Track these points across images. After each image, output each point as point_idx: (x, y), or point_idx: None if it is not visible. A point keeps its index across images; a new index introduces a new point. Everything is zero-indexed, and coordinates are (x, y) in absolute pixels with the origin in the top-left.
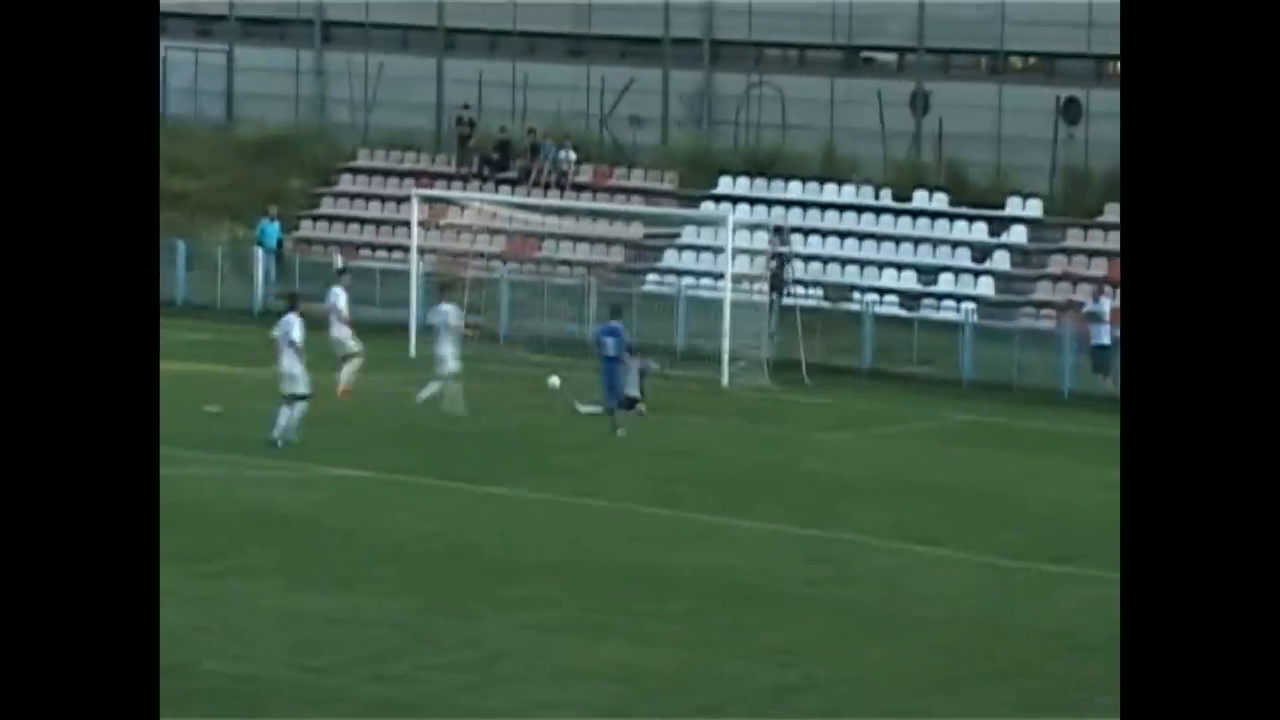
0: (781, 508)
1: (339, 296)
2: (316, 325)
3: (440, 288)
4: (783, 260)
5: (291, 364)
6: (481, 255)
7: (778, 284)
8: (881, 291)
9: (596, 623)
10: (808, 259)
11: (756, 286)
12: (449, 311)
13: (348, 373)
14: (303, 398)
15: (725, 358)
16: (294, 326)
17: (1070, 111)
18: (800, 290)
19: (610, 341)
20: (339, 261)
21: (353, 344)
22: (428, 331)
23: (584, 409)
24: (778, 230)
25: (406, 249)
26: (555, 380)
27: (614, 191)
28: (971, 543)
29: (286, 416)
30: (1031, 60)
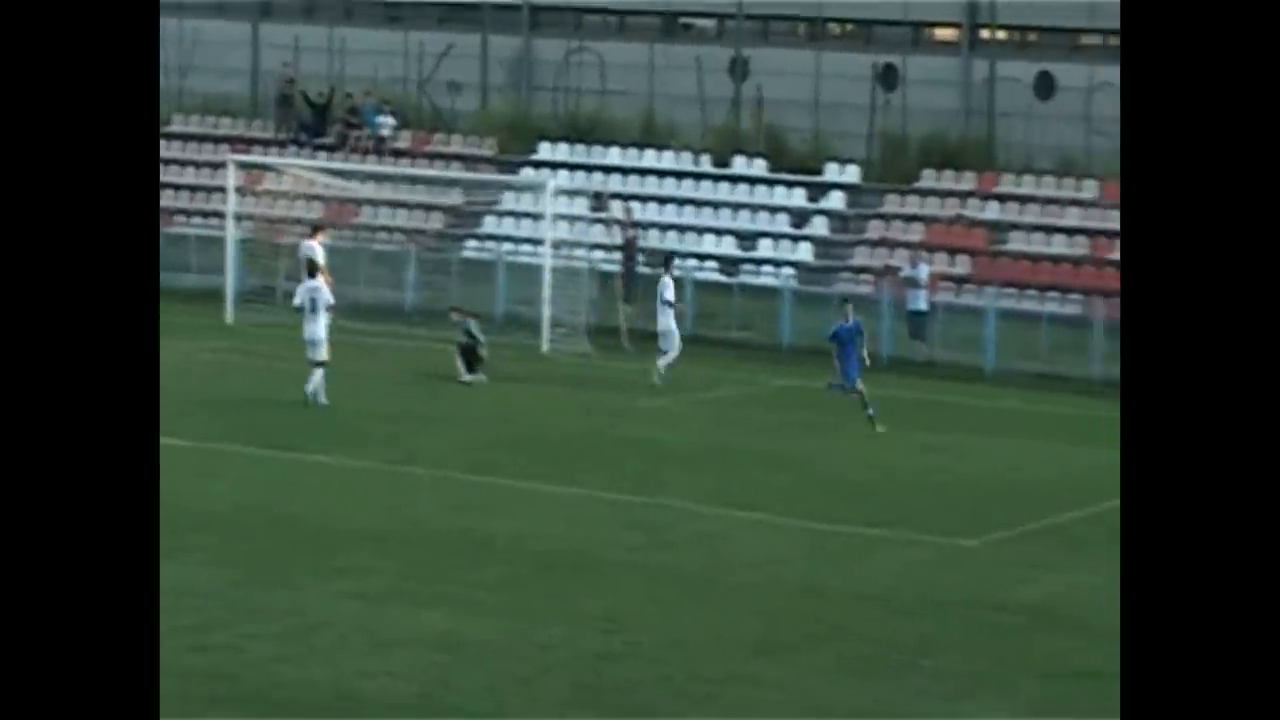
0: (602, 474)
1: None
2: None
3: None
4: (638, 229)
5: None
6: (299, 222)
7: (631, 253)
8: (701, 257)
9: (417, 591)
10: (624, 224)
11: (578, 253)
12: (323, 290)
13: None
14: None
15: (545, 324)
16: (320, 293)
17: (888, 78)
18: (620, 256)
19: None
20: None
21: None
22: (253, 298)
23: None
24: (618, 197)
25: (222, 215)
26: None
27: (433, 158)
28: (790, 507)
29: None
30: (849, 27)
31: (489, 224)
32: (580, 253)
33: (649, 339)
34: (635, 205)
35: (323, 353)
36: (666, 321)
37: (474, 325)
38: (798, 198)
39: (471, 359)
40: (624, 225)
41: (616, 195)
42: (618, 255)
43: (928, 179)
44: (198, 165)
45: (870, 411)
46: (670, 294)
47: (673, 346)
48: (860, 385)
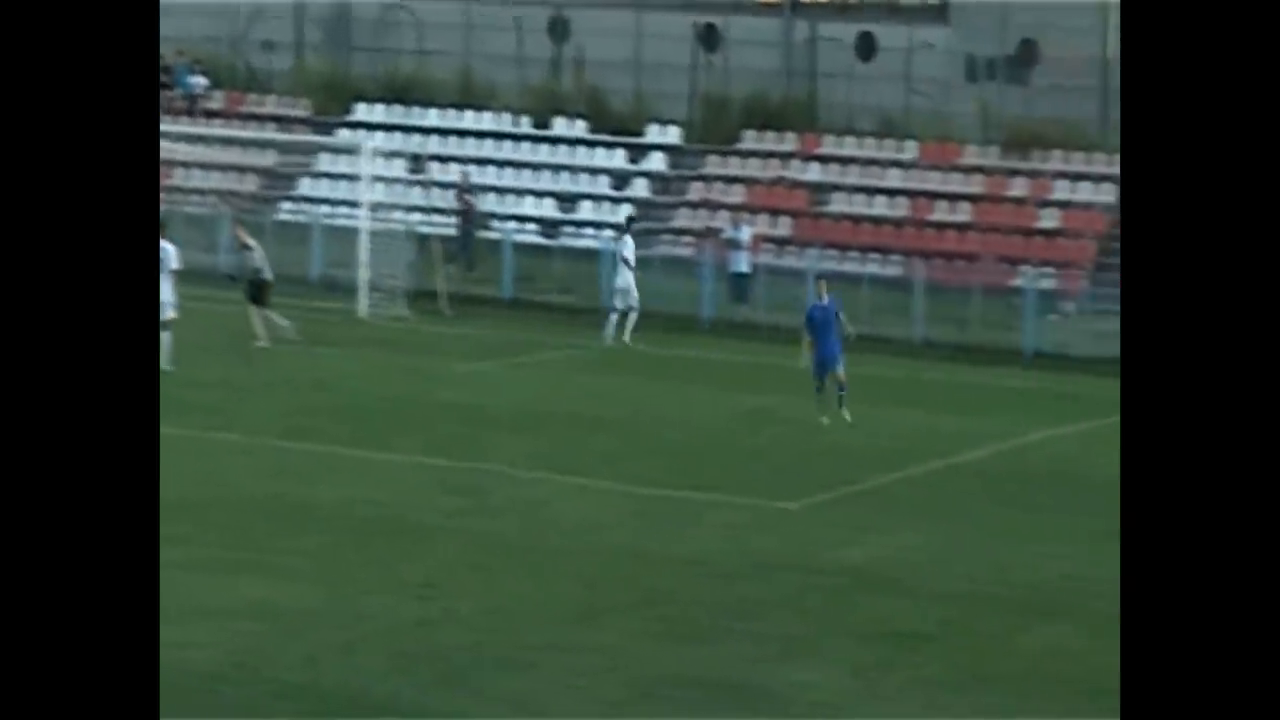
0: (420, 439)
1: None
2: None
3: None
4: (474, 194)
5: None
6: None
7: (469, 219)
8: (521, 219)
9: (234, 559)
10: (445, 186)
11: (396, 216)
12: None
13: None
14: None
15: (363, 288)
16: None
17: (709, 38)
18: (438, 219)
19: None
20: None
21: None
22: None
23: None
24: (438, 159)
25: None
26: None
27: (247, 118)
28: (612, 472)
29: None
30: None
31: (304, 186)
32: (398, 215)
33: (468, 303)
34: (452, 166)
35: (169, 313)
36: (627, 279)
37: (258, 255)
38: (618, 159)
39: (263, 294)
40: (460, 190)
41: (437, 158)
42: (452, 220)
43: (749, 140)
44: None
45: (841, 392)
46: (630, 253)
47: (635, 304)
48: (842, 371)
